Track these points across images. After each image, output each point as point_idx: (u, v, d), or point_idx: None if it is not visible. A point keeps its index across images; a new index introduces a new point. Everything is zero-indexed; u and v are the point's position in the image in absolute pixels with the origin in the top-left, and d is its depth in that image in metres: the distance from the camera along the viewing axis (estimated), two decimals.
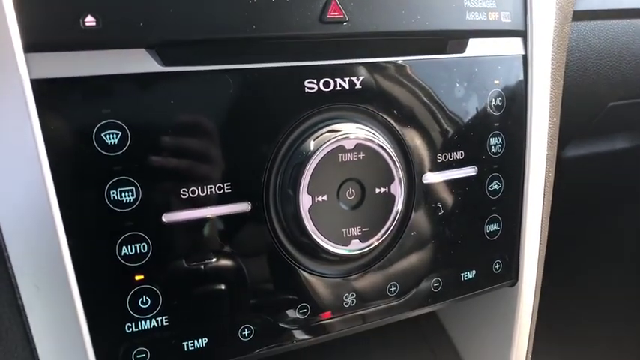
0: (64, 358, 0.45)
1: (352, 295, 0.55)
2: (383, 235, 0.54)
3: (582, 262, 1.18)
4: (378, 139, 0.52)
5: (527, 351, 0.72)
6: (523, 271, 0.66)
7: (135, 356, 0.47)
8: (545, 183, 0.67)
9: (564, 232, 0.98)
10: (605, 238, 1.18)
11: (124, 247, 0.45)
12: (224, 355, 0.51)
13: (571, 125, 0.83)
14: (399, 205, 0.54)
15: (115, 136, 0.44)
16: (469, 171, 0.60)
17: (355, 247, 0.53)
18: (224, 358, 0.51)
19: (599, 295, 1.23)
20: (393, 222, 0.54)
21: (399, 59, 0.55)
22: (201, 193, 0.48)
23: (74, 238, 0.44)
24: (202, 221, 0.48)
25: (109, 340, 0.46)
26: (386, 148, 0.52)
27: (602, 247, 1.20)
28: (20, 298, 0.43)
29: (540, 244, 0.68)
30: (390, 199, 0.54)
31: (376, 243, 0.54)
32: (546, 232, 0.70)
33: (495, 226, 0.63)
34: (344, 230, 0.52)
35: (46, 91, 0.42)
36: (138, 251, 0.46)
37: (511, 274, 0.66)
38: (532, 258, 0.67)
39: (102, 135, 0.44)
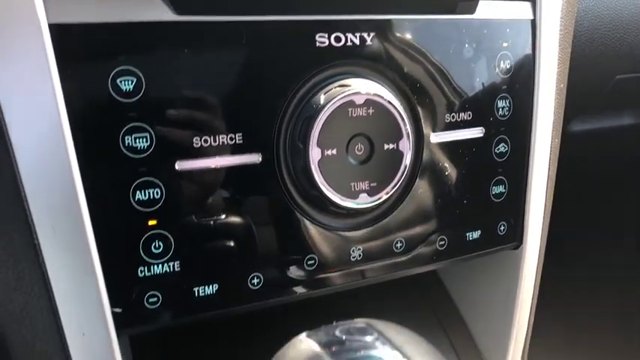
0: (79, 300, 0.46)
1: (359, 249, 0.56)
2: (390, 190, 0.55)
3: (584, 239, 1.19)
4: (387, 96, 0.53)
5: (530, 314, 0.73)
6: (527, 235, 0.67)
7: (147, 300, 0.48)
8: (552, 148, 0.67)
9: (567, 207, 0.99)
10: (608, 215, 1.19)
11: (138, 192, 0.46)
12: (234, 302, 0.52)
13: (578, 97, 0.84)
14: (406, 162, 0.55)
15: (130, 82, 0.45)
16: (476, 132, 0.61)
17: (363, 201, 0.54)
18: (234, 305, 0.52)
19: (599, 276, 1.24)
20: (400, 178, 0.55)
21: (410, 17, 0.55)
22: (213, 143, 0.49)
23: (89, 182, 0.45)
24: (214, 170, 0.49)
25: (122, 283, 0.47)
26: (395, 104, 0.53)
27: (604, 224, 1.21)
28: (37, 238, 0.45)
29: (545, 208, 0.69)
30: (398, 155, 0.55)
31: (384, 198, 0.55)
32: (551, 198, 0.70)
33: (501, 189, 0.64)
34: (352, 184, 0.53)
35: (63, 36, 0.43)
36: (151, 197, 0.47)
37: (515, 236, 0.67)
38: (536, 222, 0.68)
39: (117, 81, 0.45)
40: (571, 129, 1.05)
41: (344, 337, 0.34)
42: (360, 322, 0.37)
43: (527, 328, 0.73)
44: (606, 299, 1.19)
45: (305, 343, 0.35)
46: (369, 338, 0.34)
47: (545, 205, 0.69)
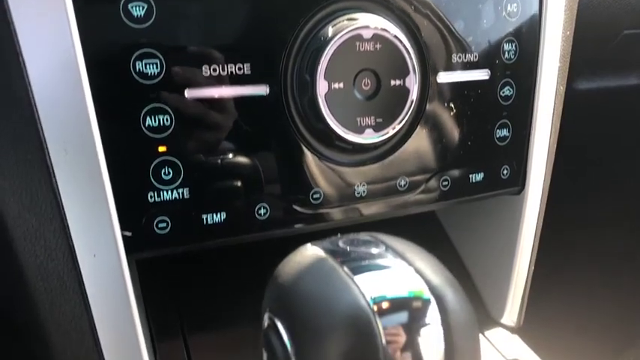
0: (90, 222, 0.48)
1: (363, 185, 0.57)
2: (396, 127, 0.56)
3: (584, 203, 1.20)
4: (395, 32, 0.53)
5: (531, 262, 0.74)
6: (530, 180, 0.68)
7: (157, 225, 0.50)
8: (557, 95, 0.68)
9: (568, 167, 1.00)
10: (609, 178, 1.20)
11: (148, 118, 0.47)
12: (241, 231, 0.53)
13: (584, 50, 0.84)
14: (413, 98, 0.56)
15: (141, 8, 0.46)
16: (482, 74, 0.61)
17: (369, 136, 0.54)
18: (240, 234, 0.53)
19: (598, 242, 1.25)
20: (406, 115, 0.56)
21: None
22: (222, 72, 0.49)
23: (101, 106, 0.46)
24: (222, 100, 0.50)
25: (132, 207, 0.49)
26: (403, 41, 0.54)
27: (605, 188, 1.21)
28: (50, 160, 0.46)
29: (548, 156, 0.69)
30: (404, 92, 0.55)
31: (389, 134, 0.55)
32: (555, 146, 0.71)
33: (505, 132, 0.64)
34: (358, 119, 0.54)
35: None
36: (161, 123, 0.48)
37: (518, 181, 0.67)
38: (539, 168, 0.68)
39: (129, 7, 0.45)
40: (577, 87, 1.06)
41: (348, 248, 0.36)
42: (364, 235, 0.38)
43: (528, 275, 0.74)
44: (607, 256, 1.20)
45: (310, 249, 0.36)
46: (373, 249, 0.35)
47: (549, 153, 0.70)
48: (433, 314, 0.32)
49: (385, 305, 0.31)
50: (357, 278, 0.32)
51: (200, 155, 0.50)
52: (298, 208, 0.55)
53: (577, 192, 1.11)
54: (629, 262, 1.22)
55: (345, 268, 0.33)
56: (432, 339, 0.32)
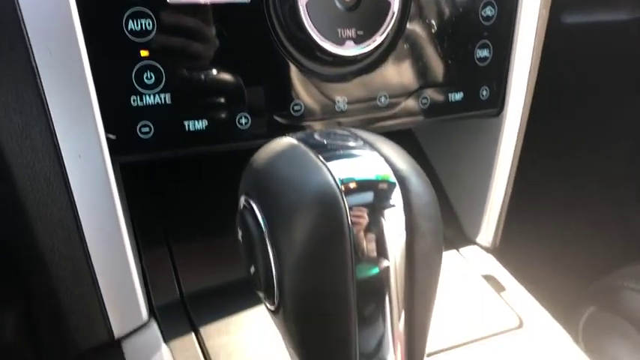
0: (75, 123, 0.49)
1: (344, 99, 0.59)
2: (377, 40, 0.56)
3: (565, 132, 1.22)
4: None
5: (507, 184, 0.76)
6: (509, 102, 0.69)
7: (140, 129, 0.51)
8: (539, 18, 0.69)
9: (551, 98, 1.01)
10: (591, 113, 1.21)
11: (131, 21, 0.48)
12: (222, 139, 0.55)
13: None
14: (393, 12, 0.56)
15: None
16: None
17: (349, 48, 0.55)
18: (222, 142, 0.55)
19: (576, 170, 1.28)
20: (386, 29, 0.56)
21: None
22: None
23: (84, 8, 0.46)
24: (204, 6, 0.50)
25: (115, 110, 0.50)
26: None
27: (585, 122, 1.23)
28: (34, 61, 0.47)
29: (529, 79, 0.71)
30: (385, 5, 0.56)
31: (370, 48, 0.56)
32: (535, 71, 0.72)
33: (485, 52, 0.65)
34: (339, 30, 0.54)
35: None
36: (143, 27, 0.49)
37: (497, 102, 0.69)
38: (519, 91, 0.70)
39: None
40: (564, 20, 1.06)
41: (321, 138, 0.37)
42: (337, 129, 0.39)
43: (504, 197, 0.77)
44: (582, 182, 1.24)
45: (285, 139, 0.38)
46: (345, 140, 0.37)
47: (529, 77, 0.71)
48: (397, 196, 0.34)
49: (352, 185, 0.33)
50: (328, 162, 0.34)
51: (181, 61, 0.51)
52: (279, 119, 0.56)
53: (558, 122, 1.13)
54: (606, 188, 1.25)
55: (317, 154, 0.35)
56: (394, 219, 0.34)
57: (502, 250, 0.80)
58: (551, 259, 1.11)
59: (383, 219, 0.33)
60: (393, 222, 0.34)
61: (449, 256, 0.74)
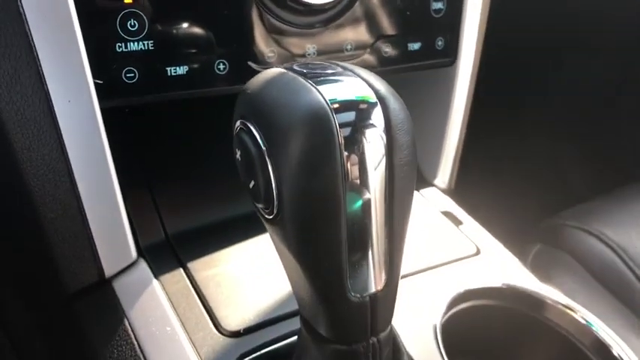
0: (64, 68, 0.51)
1: (313, 47, 0.63)
2: None
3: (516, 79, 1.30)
4: None
5: (461, 130, 0.82)
6: (461, 52, 0.75)
7: (125, 74, 0.54)
8: None
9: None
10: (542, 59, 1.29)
11: None
12: (201, 84, 0.58)
13: None
14: None
15: None
16: None
17: None
18: (201, 87, 0.58)
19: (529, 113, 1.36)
20: None
21: None
22: None
23: None
24: None
25: (102, 57, 0.52)
26: None
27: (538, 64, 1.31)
28: (22, 7, 0.48)
29: (479, 30, 0.76)
30: None
31: None
32: (485, 24, 0.78)
33: (440, 5, 0.70)
34: None
35: None
36: None
37: (451, 52, 0.74)
38: (471, 41, 0.76)
39: None
40: None
41: (309, 68, 0.41)
42: (321, 61, 0.43)
43: (458, 142, 0.83)
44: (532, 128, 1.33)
45: (275, 69, 0.42)
46: (330, 69, 0.41)
47: (479, 29, 0.77)
48: (378, 113, 0.39)
49: (340, 104, 0.37)
50: (317, 85, 0.38)
51: (163, 10, 0.54)
52: (254, 65, 0.60)
53: (509, 73, 1.20)
54: (554, 131, 1.35)
55: (306, 79, 0.39)
56: (377, 132, 0.38)
57: (457, 191, 0.86)
58: (503, 201, 1.19)
59: (367, 132, 0.38)
60: (376, 135, 0.38)
61: None
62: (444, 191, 0.84)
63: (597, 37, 1.29)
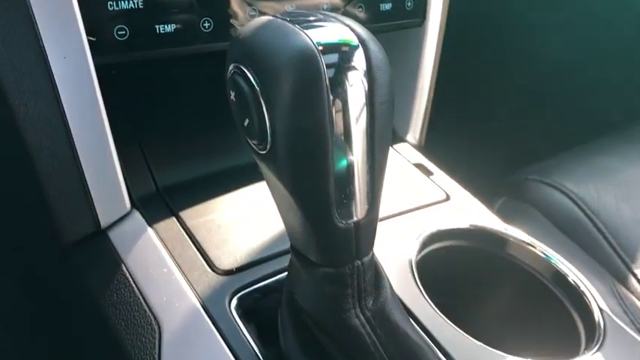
0: (60, 25, 0.54)
1: (292, 7, 0.67)
2: None
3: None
4: None
5: (430, 89, 0.87)
6: (430, 12, 0.80)
7: (116, 32, 0.57)
8: None
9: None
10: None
11: None
12: (188, 41, 0.61)
13: None
14: None
15: None
16: None
17: None
18: (188, 44, 0.61)
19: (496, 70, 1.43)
20: None
21: None
22: None
23: None
24: None
25: (94, 15, 0.55)
26: None
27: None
28: None
29: None
30: None
31: None
32: None
33: None
34: None
35: None
36: None
37: (420, 12, 0.79)
38: (438, 2, 0.80)
39: None
40: None
41: (298, 17, 0.45)
42: (304, 10, 0.47)
43: (428, 100, 0.88)
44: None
45: (264, 17, 0.45)
46: (316, 16, 0.45)
47: None
48: (359, 54, 0.43)
49: (326, 47, 0.42)
50: (305, 30, 0.42)
51: None
52: (237, 23, 0.64)
53: (478, 34, 1.26)
54: (519, 93, 1.42)
55: (294, 25, 0.43)
56: (358, 72, 0.43)
57: (428, 148, 0.91)
58: (470, 158, 1.25)
59: (350, 72, 0.42)
60: (358, 75, 0.43)
61: None
62: (415, 147, 0.89)
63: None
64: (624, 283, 0.91)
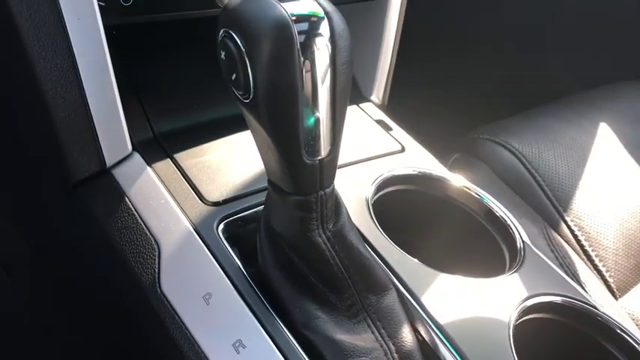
0: None
1: None
2: None
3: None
4: None
5: (393, 53, 0.99)
6: None
7: None
8: None
9: None
10: None
11: None
12: (185, 7, 0.72)
13: None
14: None
15: None
16: None
17: None
18: (185, 9, 0.72)
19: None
20: None
21: None
22: None
23: None
24: None
25: None
26: None
27: None
28: None
29: None
30: None
31: None
32: None
33: None
34: None
35: None
36: None
37: None
38: None
39: None
40: None
41: None
42: None
43: (391, 63, 1.00)
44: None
45: None
46: None
47: None
48: (325, 25, 0.54)
49: (298, 17, 0.53)
50: (281, 3, 0.53)
51: None
52: None
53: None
54: (482, 57, 1.55)
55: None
56: (324, 39, 0.54)
57: (391, 107, 1.03)
58: (430, 118, 1.38)
59: (317, 39, 0.54)
60: (324, 41, 0.54)
61: (349, 109, 0.96)
62: (378, 106, 1.01)
63: None
64: (555, 227, 1.05)
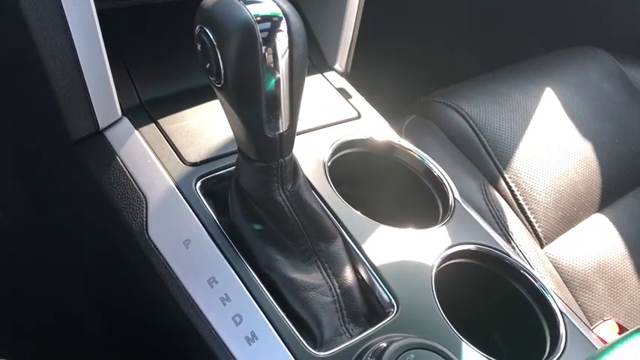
0: None
1: None
2: None
3: None
4: None
5: (356, 23, 1.09)
6: None
7: None
8: None
9: None
10: None
11: None
12: None
13: None
14: None
15: None
16: None
17: None
18: None
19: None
20: None
21: None
22: None
23: None
24: None
25: None
26: None
27: None
28: None
29: None
30: None
31: None
32: None
33: None
34: None
35: None
36: None
37: None
38: None
39: None
40: None
41: None
42: None
43: (353, 34, 1.10)
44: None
45: None
46: None
47: None
48: (283, 24, 0.66)
49: (261, 18, 0.64)
50: (246, 5, 0.64)
51: None
52: None
53: None
54: (444, 24, 1.65)
55: (241, 2, 0.65)
56: (282, 36, 0.65)
57: (353, 75, 1.15)
58: (392, 85, 1.50)
59: (277, 35, 0.65)
60: (282, 37, 0.65)
61: (314, 78, 1.08)
62: (341, 74, 1.12)
63: None
64: (494, 183, 1.20)
